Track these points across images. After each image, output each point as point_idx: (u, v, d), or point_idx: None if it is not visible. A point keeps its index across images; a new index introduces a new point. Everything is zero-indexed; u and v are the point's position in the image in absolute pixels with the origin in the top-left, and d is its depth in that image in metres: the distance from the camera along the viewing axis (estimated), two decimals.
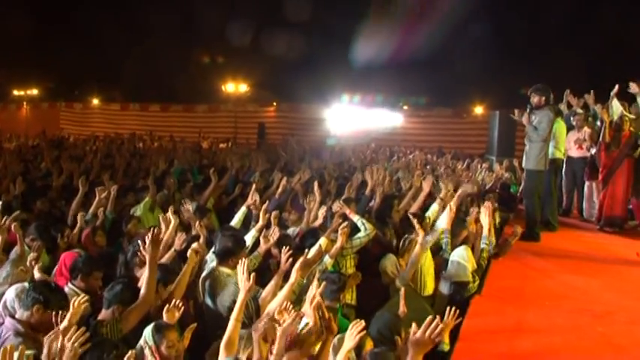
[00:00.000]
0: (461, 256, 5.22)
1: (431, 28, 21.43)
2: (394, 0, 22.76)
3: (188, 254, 3.97)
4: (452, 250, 5.37)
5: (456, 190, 6.76)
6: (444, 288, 5.27)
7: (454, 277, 5.18)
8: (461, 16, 21.35)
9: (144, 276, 3.62)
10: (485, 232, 5.60)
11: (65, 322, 2.97)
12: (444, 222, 5.68)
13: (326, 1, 23.54)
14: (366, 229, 5.21)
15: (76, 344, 2.58)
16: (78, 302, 3.09)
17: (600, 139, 8.40)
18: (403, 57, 21.95)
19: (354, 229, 5.21)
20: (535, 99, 7.25)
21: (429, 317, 2.79)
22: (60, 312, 3.03)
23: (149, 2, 25.50)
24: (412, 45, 21.75)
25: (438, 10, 21.84)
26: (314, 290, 3.05)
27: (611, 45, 20.44)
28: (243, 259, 3.55)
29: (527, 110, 7.30)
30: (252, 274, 3.36)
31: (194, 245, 4.04)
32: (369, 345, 3.55)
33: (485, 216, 5.66)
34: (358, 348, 3.50)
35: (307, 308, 3.02)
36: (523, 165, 7.68)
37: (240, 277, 3.34)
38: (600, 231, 8.23)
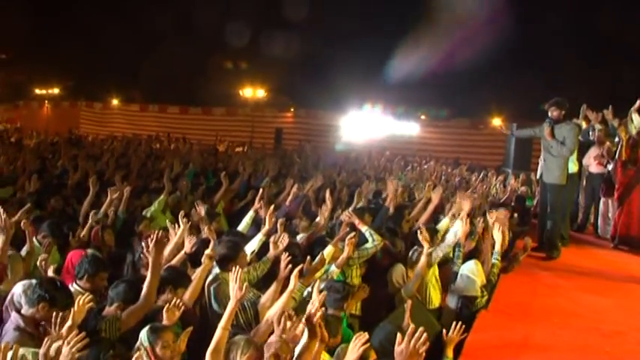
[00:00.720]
0: (470, 270, 5.18)
1: (467, 44, 21.35)
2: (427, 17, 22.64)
3: (202, 260, 3.95)
4: (462, 263, 5.33)
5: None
6: (452, 302, 5.23)
7: (463, 291, 5.14)
8: (480, 29, 21.28)
9: (147, 278, 3.63)
10: (497, 247, 5.54)
11: (69, 322, 3.00)
12: (452, 236, 5.62)
13: (351, 11, 23.54)
14: (373, 240, 5.19)
15: (74, 349, 2.60)
16: (82, 301, 3.12)
17: (617, 156, 8.30)
18: (440, 75, 21.97)
19: (363, 239, 5.19)
20: (555, 113, 7.19)
21: (412, 327, 2.76)
22: (60, 314, 3.06)
23: (170, 5, 25.75)
24: (451, 62, 21.72)
25: (463, 23, 21.77)
26: (316, 304, 3.02)
27: (631, 58, 20.21)
28: (237, 267, 3.51)
29: (548, 125, 7.20)
30: (245, 284, 3.34)
31: (208, 251, 4.03)
32: (372, 357, 3.55)
33: (497, 231, 5.60)
34: (362, 359, 3.50)
35: (310, 323, 2.99)
36: (543, 178, 7.52)
37: (232, 285, 3.33)
38: (615, 249, 8.11)
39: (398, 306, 4.99)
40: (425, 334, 2.70)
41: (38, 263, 4.16)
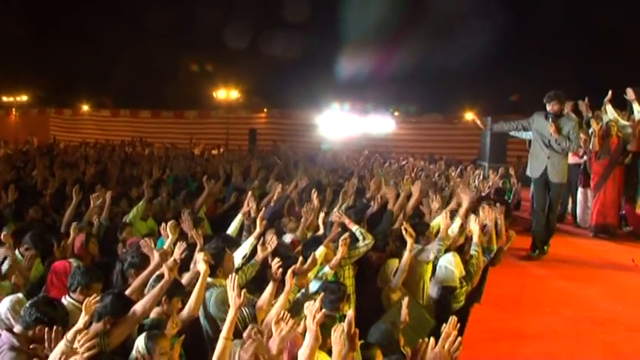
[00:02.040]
0: (448, 261, 5.24)
1: (421, 35, 21.51)
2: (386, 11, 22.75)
3: (199, 268, 3.87)
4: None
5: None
6: (433, 292, 5.27)
7: (442, 281, 5.19)
8: (451, 23, 21.47)
9: (147, 295, 3.53)
10: (475, 239, 5.60)
11: (80, 324, 2.98)
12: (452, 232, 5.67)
13: (319, 8, 23.51)
14: (364, 239, 5.18)
15: (84, 351, 2.55)
16: (89, 302, 3.04)
17: (591, 146, 8.45)
18: (390, 70, 22.08)
19: (354, 238, 5.18)
20: (556, 107, 6.74)
21: (446, 331, 2.73)
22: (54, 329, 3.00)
23: (139, 8, 25.36)
24: (402, 55, 21.85)
25: (428, 16, 21.94)
26: (317, 305, 2.98)
27: (602, 51, 20.57)
28: (233, 274, 3.46)
29: (550, 119, 6.72)
30: (243, 291, 3.30)
31: (202, 256, 3.94)
32: (378, 356, 3.53)
33: (474, 223, 5.66)
34: (368, 359, 3.48)
35: (310, 323, 2.93)
36: (550, 178, 6.87)
37: (230, 293, 3.28)
38: (594, 237, 8.26)
39: (384, 301, 5.01)
40: (459, 339, 2.67)
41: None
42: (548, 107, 6.80)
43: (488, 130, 7.62)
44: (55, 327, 3.06)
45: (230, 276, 3.36)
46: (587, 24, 20.54)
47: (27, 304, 3.30)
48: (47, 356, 3.02)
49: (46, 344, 3.01)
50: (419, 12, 22.10)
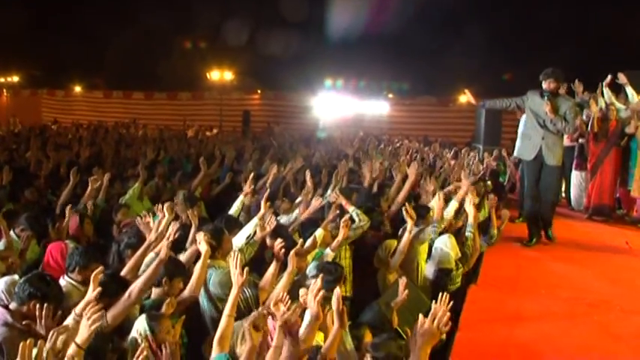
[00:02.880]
0: (444, 243, 5.24)
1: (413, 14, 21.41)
2: None
3: (201, 248, 3.85)
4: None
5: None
6: (429, 274, 5.29)
7: (438, 263, 5.20)
8: (444, 4, 21.37)
9: (142, 276, 3.52)
10: (470, 220, 5.60)
11: (89, 296, 2.96)
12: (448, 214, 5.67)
13: None
14: (360, 221, 5.18)
15: (92, 322, 2.55)
16: (95, 274, 3.05)
17: (589, 129, 8.45)
18: (378, 29, 21.92)
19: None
20: (552, 85, 6.36)
21: (434, 307, 2.74)
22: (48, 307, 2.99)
23: None
24: (386, 16, 21.69)
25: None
26: (319, 283, 2.98)
27: (598, 37, 20.55)
28: (236, 252, 3.46)
29: (546, 98, 6.34)
30: (246, 269, 3.30)
31: (203, 236, 3.92)
32: (367, 336, 3.54)
33: (470, 204, 5.65)
34: (357, 339, 3.48)
35: (310, 301, 2.94)
36: (546, 161, 6.55)
37: (233, 271, 3.28)
38: (589, 220, 8.32)
39: (380, 282, 5.03)
40: (448, 314, 2.68)
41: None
42: (545, 85, 6.41)
43: (480, 107, 7.18)
44: (47, 304, 3.05)
45: (232, 254, 3.36)
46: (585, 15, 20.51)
47: (21, 281, 3.30)
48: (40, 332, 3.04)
49: (38, 321, 3.01)
50: None
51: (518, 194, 8.66)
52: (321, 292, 2.94)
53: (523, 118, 7.04)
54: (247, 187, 5.82)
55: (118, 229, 5.60)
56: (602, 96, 8.48)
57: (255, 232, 4.74)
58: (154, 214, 5.16)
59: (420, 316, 2.73)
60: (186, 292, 3.70)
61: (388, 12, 21.99)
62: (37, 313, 3.02)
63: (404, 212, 5.05)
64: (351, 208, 5.28)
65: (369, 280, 5.14)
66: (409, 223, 4.96)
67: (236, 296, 3.19)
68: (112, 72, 28.69)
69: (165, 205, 4.57)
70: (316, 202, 5.60)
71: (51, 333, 2.54)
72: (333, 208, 5.20)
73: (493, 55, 21.47)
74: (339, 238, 4.60)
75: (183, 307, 3.59)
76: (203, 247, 3.81)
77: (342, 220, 4.69)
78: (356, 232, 5.16)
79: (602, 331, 4.29)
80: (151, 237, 4.06)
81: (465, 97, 22.62)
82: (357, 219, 5.20)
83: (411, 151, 12.21)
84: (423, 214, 5.45)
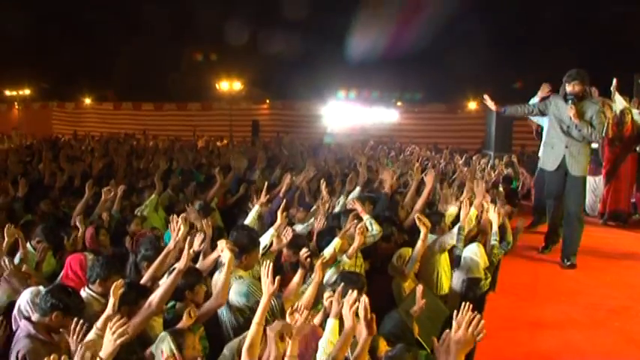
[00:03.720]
0: (473, 252, 5.21)
1: (425, 23, 21.45)
2: None
3: (224, 256, 3.82)
4: (464, 246, 5.34)
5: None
6: (457, 285, 5.24)
7: (467, 273, 5.15)
8: (454, 11, 21.35)
9: (162, 285, 3.51)
10: (495, 228, 5.57)
11: (109, 310, 2.99)
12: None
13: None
14: (373, 230, 5.14)
15: (116, 337, 2.55)
16: (115, 286, 3.06)
17: (604, 134, 8.37)
18: (398, 52, 22.00)
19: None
20: (577, 87, 5.81)
21: (469, 315, 2.70)
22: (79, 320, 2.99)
23: (141, 1, 25.29)
24: (406, 40, 21.79)
25: (432, 4, 21.85)
26: (354, 295, 2.98)
27: (606, 41, 20.47)
28: (268, 261, 3.45)
29: (570, 103, 5.80)
30: (277, 278, 3.28)
31: (226, 244, 3.90)
32: (382, 345, 3.51)
33: (493, 212, 5.62)
34: (372, 349, 3.45)
35: (346, 312, 2.95)
36: (570, 171, 5.97)
37: (264, 279, 3.26)
38: (604, 225, 8.23)
39: (395, 290, 4.99)
40: (482, 322, 2.64)
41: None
42: (569, 88, 5.87)
43: (501, 113, 6.45)
44: (69, 316, 3.08)
45: (264, 262, 3.35)
46: (591, 13, 20.46)
47: (43, 292, 3.33)
48: (66, 345, 3.04)
49: (70, 335, 3.01)
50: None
51: (534, 202, 8.53)
52: (357, 304, 2.93)
53: (546, 126, 6.55)
54: (262, 197, 5.80)
55: (131, 239, 5.61)
56: (614, 101, 8.41)
57: (271, 243, 4.73)
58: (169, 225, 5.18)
59: (454, 322, 2.70)
60: (212, 301, 3.68)
61: (409, 35, 22.07)
62: (72, 327, 3.03)
63: (417, 221, 5.03)
64: (365, 217, 5.26)
65: (382, 287, 5.11)
66: (422, 231, 4.94)
67: (266, 304, 3.17)
68: (121, 84, 28.88)
69: (180, 217, 4.58)
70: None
71: (79, 348, 2.54)
72: (351, 217, 5.17)
73: (501, 61, 21.42)
74: (355, 245, 4.59)
75: (207, 317, 3.57)
76: (226, 254, 3.79)
77: (358, 226, 4.67)
78: (368, 240, 5.13)
79: (624, 338, 4.23)
80: (169, 245, 4.07)
81: (474, 104, 22.75)
82: (370, 227, 5.17)
83: (422, 159, 12.19)
84: (437, 221, 5.43)
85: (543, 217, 7.32)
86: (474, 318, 2.65)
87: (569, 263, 5.97)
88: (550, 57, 19.86)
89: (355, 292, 3.02)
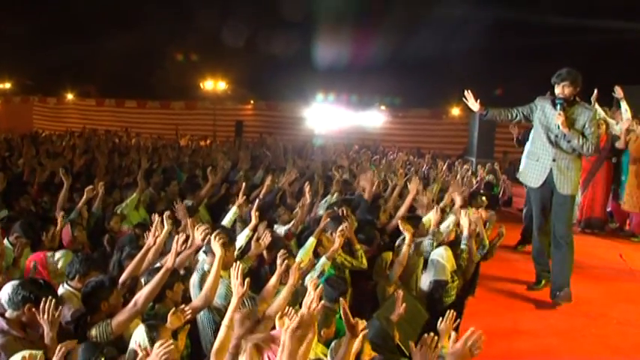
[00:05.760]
0: (440, 255, 5.29)
1: (406, 29, 21.66)
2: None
3: (215, 250, 3.79)
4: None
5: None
6: (425, 286, 5.31)
7: (434, 275, 5.22)
8: (438, 18, 21.54)
9: (148, 284, 3.49)
10: (465, 233, 5.64)
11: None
12: (446, 227, 5.70)
13: (306, 2, 23.50)
14: (361, 263, 5.11)
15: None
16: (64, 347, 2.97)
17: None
18: (378, 58, 22.20)
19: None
20: (567, 90, 4.87)
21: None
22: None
23: None
24: (384, 46, 21.99)
25: (414, 11, 22.07)
26: (343, 303, 2.95)
27: (597, 49, 20.75)
28: (238, 262, 3.44)
29: (559, 108, 4.86)
30: (247, 280, 3.27)
31: (217, 238, 3.86)
32: (367, 349, 3.52)
33: (464, 217, 5.68)
34: (356, 354, 3.46)
35: (348, 320, 2.86)
36: (558, 189, 5.05)
37: (234, 281, 3.25)
38: (581, 233, 8.33)
39: (379, 295, 5.02)
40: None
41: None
42: (558, 90, 4.93)
43: (481, 116, 5.47)
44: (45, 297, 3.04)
45: (234, 264, 3.32)
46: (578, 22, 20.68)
47: (14, 286, 3.27)
48: (39, 339, 3.01)
49: (40, 315, 3.01)
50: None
51: (524, 217, 7.69)
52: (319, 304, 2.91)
53: (531, 135, 5.52)
54: (240, 199, 5.80)
55: (109, 237, 5.58)
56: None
57: (247, 243, 4.74)
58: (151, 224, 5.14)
59: (452, 335, 2.72)
60: (199, 301, 3.67)
61: (372, 46, 22.41)
62: (42, 307, 3.02)
63: (400, 226, 5.08)
64: (357, 247, 5.22)
65: (365, 292, 5.13)
66: (407, 236, 4.98)
67: (235, 307, 3.16)
68: (104, 80, 28.64)
69: (165, 215, 4.55)
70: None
71: (57, 348, 2.51)
72: (325, 216, 5.19)
73: (486, 68, 21.61)
74: (335, 247, 4.61)
75: (193, 317, 3.56)
76: (217, 249, 3.76)
77: (339, 229, 4.69)
78: (353, 266, 5.11)
79: (601, 344, 4.29)
80: (149, 242, 4.06)
81: (458, 110, 22.87)
82: (358, 259, 5.13)
83: (404, 164, 12.26)
84: (415, 224, 5.49)
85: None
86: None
87: (562, 294, 4.98)
88: (534, 63, 20.12)
89: (343, 301, 2.98)
